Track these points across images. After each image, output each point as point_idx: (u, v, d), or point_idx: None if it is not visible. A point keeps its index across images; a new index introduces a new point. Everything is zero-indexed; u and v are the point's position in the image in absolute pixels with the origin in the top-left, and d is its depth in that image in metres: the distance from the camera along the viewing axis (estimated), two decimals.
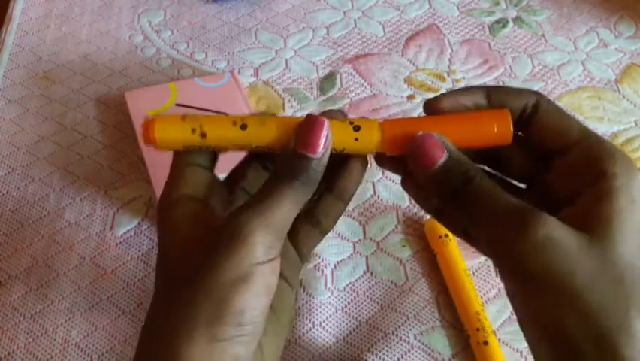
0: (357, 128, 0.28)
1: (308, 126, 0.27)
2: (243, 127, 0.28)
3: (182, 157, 0.29)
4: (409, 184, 0.31)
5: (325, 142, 0.27)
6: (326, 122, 0.27)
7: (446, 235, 0.44)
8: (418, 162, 0.27)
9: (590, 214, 0.24)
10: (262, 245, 0.25)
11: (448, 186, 0.26)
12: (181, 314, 0.25)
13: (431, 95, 0.56)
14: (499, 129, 0.27)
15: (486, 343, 0.39)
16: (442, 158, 0.26)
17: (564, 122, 0.27)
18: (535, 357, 0.25)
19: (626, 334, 0.21)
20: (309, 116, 0.27)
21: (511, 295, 0.26)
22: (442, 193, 0.27)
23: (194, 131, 0.29)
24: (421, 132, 0.27)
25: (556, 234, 0.23)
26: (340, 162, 0.30)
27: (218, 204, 0.29)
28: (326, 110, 0.31)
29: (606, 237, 0.23)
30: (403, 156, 0.28)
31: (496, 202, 0.25)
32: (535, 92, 0.28)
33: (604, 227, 0.23)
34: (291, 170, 0.26)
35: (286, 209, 0.26)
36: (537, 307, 0.23)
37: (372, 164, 0.31)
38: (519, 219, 0.23)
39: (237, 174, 0.31)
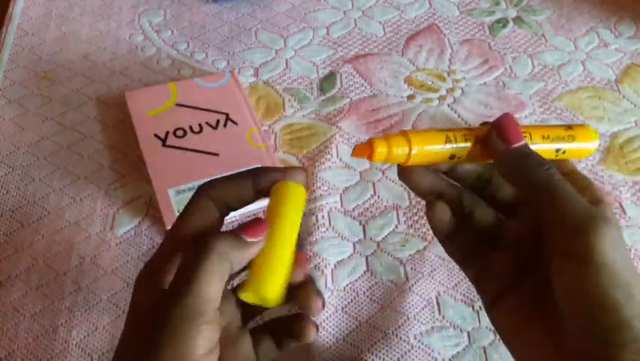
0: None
1: (252, 223, 0.29)
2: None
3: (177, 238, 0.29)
4: (434, 205, 0.33)
5: (261, 234, 0.29)
6: (265, 223, 0.29)
7: None
8: (505, 136, 0.29)
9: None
10: (204, 340, 0.26)
11: (526, 165, 0.28)
12: None
13: (431, 95, 0.56)
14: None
15: None
16: (523, 140, 0.29)
17: None
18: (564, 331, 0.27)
19: None
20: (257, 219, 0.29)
21: (559, 273, 0.28)
22: (514, 172, 0.29)
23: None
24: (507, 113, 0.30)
25: (620, 234, 0.27)
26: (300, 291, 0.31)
27: None
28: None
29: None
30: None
31: (577, 198, 0.27)
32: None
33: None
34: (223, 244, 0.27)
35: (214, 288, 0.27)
36: (591, 285, 0.26)
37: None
38: (602, 217, 0.26)
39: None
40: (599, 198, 0.29)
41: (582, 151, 0.31)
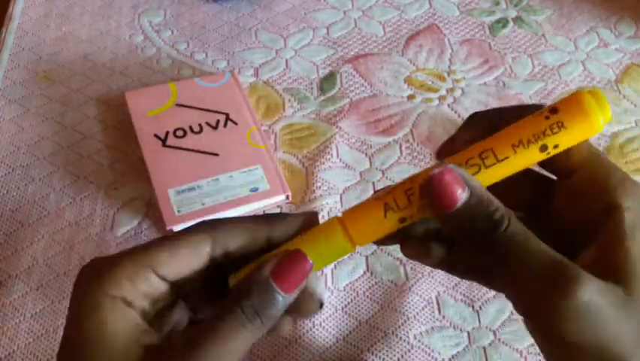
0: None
1: (291, 260, 0.24)
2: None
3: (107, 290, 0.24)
4: (408, 249, 0.28)
5: (304, 282, 0.24)
6: (310, 263, 0.24)
7: None
8: (434, 203, 0.23)
9: (614, 262, 0.22)
10: None
11: (471, 230, 0.23)
12: None
13: (431, 95, 0.56)
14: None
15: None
16: (463, 196, 0.22)
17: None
18: None
19: None
20: (296, 252, 0.24)
21: (544, 351, 0.24)
22: (465, 239, 0.24)
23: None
24: (437, 169, 0.23)
25: (597, 298, 0.21)
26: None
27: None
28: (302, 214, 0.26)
29: (635, 290, 0.22)
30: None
31: (532, 255, 0.22)
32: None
33: (630, 278, 0.22)
34: (254, 303, 0.23)
35: (238, 353, 0.23)
36: None
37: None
38: (559, 279, 0.21)
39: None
40: (614, 205, 0.23)
41: (584, 132, 0.24)
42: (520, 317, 0.43)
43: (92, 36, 0.60)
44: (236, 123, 0.51)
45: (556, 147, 0.24)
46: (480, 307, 0.43)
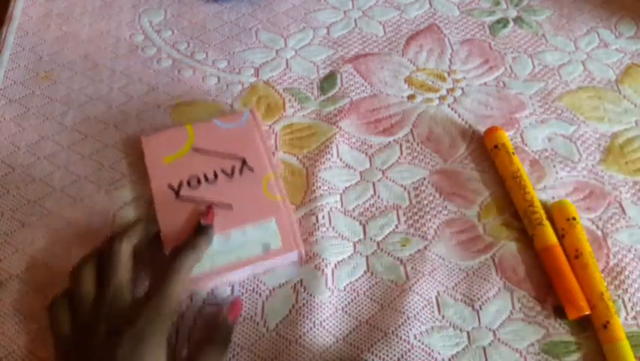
0: None
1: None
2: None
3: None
4: None
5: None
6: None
7: (573, 218, 0.47)
8: None
9: None
10: None
11: None
12: None
13: (432, 95, 0.56)
14: None
15: (605, 326, 0.42)
16: None
17: None
18: None
19: None
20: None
21: None
22: None
23: None
24: None
25: None
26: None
27: None
28: None
29: None
30: None
31: None
32: None
33: None
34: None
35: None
36: None
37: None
38: None
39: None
40: None
41: None
42: (519, 317, 0.43)
43: (93, 36, 0.60)
44: (252, 170, 0.48)
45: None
46: (480, 307, 0.43)
